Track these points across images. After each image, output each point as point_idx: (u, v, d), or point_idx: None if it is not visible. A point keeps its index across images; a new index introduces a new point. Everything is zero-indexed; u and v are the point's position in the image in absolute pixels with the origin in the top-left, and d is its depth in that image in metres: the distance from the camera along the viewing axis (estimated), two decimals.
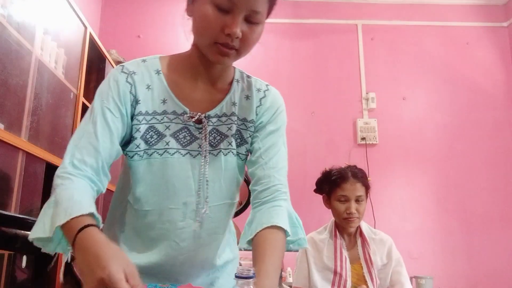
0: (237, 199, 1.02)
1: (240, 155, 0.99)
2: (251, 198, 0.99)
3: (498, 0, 4.00)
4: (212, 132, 0.95)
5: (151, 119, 0.92)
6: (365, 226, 1.79)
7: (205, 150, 0.93)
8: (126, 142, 0.93)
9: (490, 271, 3.41)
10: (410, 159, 3.64)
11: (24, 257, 1.99)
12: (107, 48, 3.14)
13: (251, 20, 0.85)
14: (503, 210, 3.56)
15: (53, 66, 2.23)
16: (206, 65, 0.95)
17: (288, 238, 0.91)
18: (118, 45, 3.46)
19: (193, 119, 0.93)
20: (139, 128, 0.91)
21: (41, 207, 0.77)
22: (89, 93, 2.86)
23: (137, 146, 0.91)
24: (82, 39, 2.64)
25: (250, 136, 0.99)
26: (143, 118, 0.91)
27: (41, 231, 0.75)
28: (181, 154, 0.92)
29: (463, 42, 3.94)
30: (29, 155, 1.95)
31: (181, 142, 0.92)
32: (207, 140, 0.94)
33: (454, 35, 3.95)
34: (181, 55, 0.99)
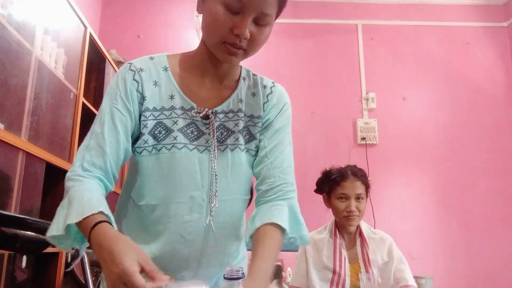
0: (248, 196, 1.02)
1: (250, 151, 1.00)
2: (255, 197, 1.01)
3: (498, 0, 4.00)
4: (219, 128, 0.97)
5: (159, 114, 0.94)
6: (365, 226, 1.79)
7: (213, 145, 0.94)
8: (135, 139, 0.95)
9: (490, 271, 3.41)
10: (410, 159, 3.64)
11: (24, 257, 1.99)
12: (107, 48, 3.13)
13: (259, 21, 0.87)
14: (503, 210, 3.56)
15: (53, 66, 2.23)
16: (214, 63, 0.96)
17: (291, 235, 0.94)
18: (118, 45, 3.46)
19: (200, 115, 0.95)
20: (147, 124, 0.93)
21: (41, 207, 0.81)
22: (89, 93, 2.87)
23: (145, 142, 0.93)
24: (82, 39, 2.64)
25: (258, 132, 1.01)
26: (151, 114, 0.93)
27: (55, 229, 0.79)
28: (189, 148, 0.93)
29: (463, 42, 3.94)
30: (29, 155, 1.95)
31: (189, 137, 0.94)
32: (215, 135, 0.95)
33: (454, 35, 3.95)
34: (189, 53, 1.01)
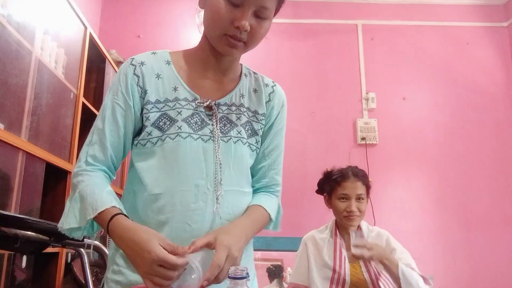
0: (248, 189, 1.03)
1: (251, 145, 1.02)
2: None
3: (498, 0, 4.00)
4: (222, 120, 0.99)
5: (163, 106, 0.96)
6: (364, 226, 1.79)
7: (217, 135, 0.96)
8: (137, 133, 0.98)
9: (490, 271, 3.41)
10: (410, 159, 3.64)
11: (24, 257, 1.99)
12: (107, 48, 3.13)
13: (259, 15, 0.90)
14: (503, 210, 3.56)
15: (53, 66, 2.23)
16: (216, 56, 0.99)
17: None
18: (118, 45, 3.45)
19: (204, 104, 0.97)
20: (149, 116, 0.95)
21: (41, 207, 0.83)
22: (89, 93, 2.87)
23: (149, 134, 0.95)
24: (82, 39, 2.64)
25: (261, 128, 1.05)
26: (153, 107, 0.95)
27: (73, 222, 0.87)
28: (193, 138, 0.95)
29: (463, 42, 3.94)
30: (29, 155, 1.95)
31: (193, 127, 0.95)
32: (218, 126, 0.97)
33: (454, 35, 3.95)
34: (191, 49, 1.05)
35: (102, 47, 2.94)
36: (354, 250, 1.58)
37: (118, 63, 3.20)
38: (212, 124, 0.97)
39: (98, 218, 0.85)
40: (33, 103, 2.00)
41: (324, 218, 1.95)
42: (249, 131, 1.02)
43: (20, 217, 1.48)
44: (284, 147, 1.10)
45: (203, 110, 0.97)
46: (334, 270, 1.67)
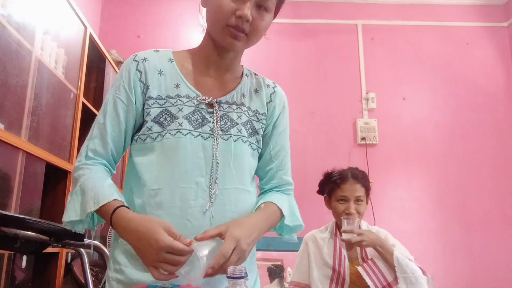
0: (251, 188, 1.03)
1: (252, 144, 1.03)
2: (258, 194, 1.08)
3: (498, 0, 4.00)
4: (223, 118, 0.99)
5: (165, 102, 0.97)
6: (364, 226, 1.79)
7: (216, 133, 0.97)
8: (138, 128, 0.99)
9: (490, 271, 3.41)
10: (410, 159, 3.64)
11: (24, 257, 1.99)
12: (107, 48, 3.13)
13: (261, 4, 0.93)
14: (503, 210, 3.56)
15: (53, 66, 2.23)
16: (218, 53, 1.01)
17: (287, 223, 1.03)
18: (118, 45, 3.45)
19: (205, 101, 0.98)
20: (150, 112, 0.96)
21: (41, 207, 0.83)
22: (89, 93, 2.87)
23: (149, 129, 0.96)
24: (82, 39, 2.64)
25: (261, 128, 1.05)
26: (155, 102, 0.96)
27: (73, 215, 0.88)
28: (193, 135, 0.95)
29: (463, 42, 3.93)
30: (29, 155, 1.95)
31: (193, 124, 0.96)
32: (218, 123, 0.98)
33: (454, 35, 3.95)
34: (193, 48, 1.06)
35: (102, 47, 2.94)
36: (343, 236, 1.59)
37: (118, 63, 3.20)
38: (213, 122, 0.97)
39: (100, 211, 0.87)
40: (33, 103, 2.00)
41: (324, 218, 1.95)
42: (250, 130, 1.02)
43: (20, 217, 1.48)
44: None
45: (204, 108, 0.98)
46: (334, 269, 1.67)
